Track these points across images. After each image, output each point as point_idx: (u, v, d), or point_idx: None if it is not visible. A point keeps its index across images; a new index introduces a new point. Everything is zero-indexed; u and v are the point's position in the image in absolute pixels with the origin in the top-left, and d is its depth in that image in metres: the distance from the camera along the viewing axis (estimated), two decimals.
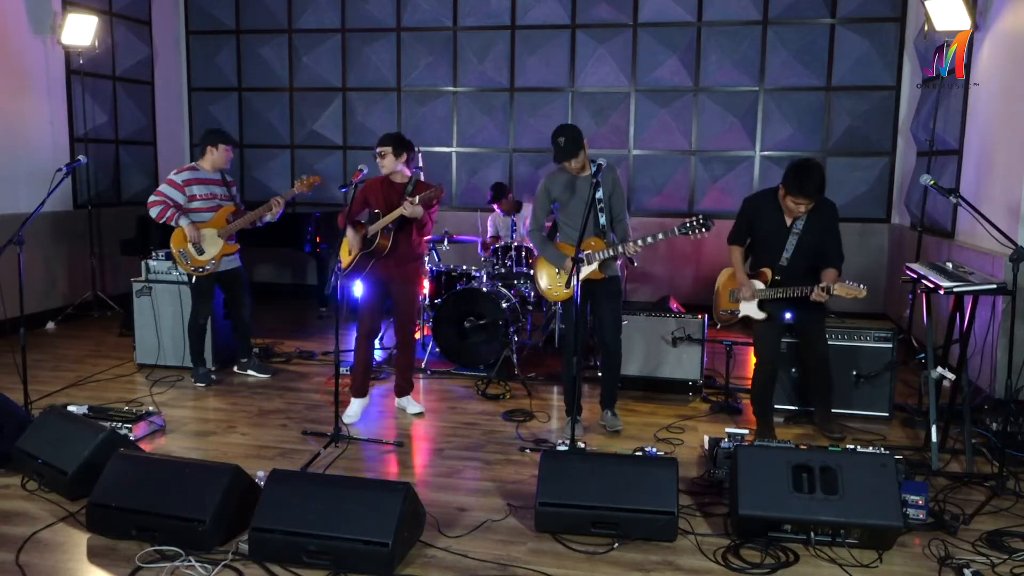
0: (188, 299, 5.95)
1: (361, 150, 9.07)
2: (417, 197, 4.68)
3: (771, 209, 4.52)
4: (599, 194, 4.56)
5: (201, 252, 5.60)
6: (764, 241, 4.58)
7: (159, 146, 9.15)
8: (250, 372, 6.00)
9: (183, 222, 5.51)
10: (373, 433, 4.84)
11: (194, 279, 5.70)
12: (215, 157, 5.63)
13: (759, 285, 4.56)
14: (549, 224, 5.24)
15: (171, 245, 5.65)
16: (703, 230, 4.44)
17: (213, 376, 5.84)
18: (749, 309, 4.61)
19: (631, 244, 4.54)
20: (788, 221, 4.47)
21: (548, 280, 4.85)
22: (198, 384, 5.74)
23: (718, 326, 4.88)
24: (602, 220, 4.62)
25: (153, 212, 5.53)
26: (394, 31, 8.88)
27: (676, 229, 4.50)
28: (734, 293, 4.68)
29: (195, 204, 5.58)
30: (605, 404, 4.99)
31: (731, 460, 3.60)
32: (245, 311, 5.91)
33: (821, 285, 4.31)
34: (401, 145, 4.86)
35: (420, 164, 7.27)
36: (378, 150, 4.86)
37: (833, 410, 4.93)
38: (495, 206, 7.38)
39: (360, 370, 5.06)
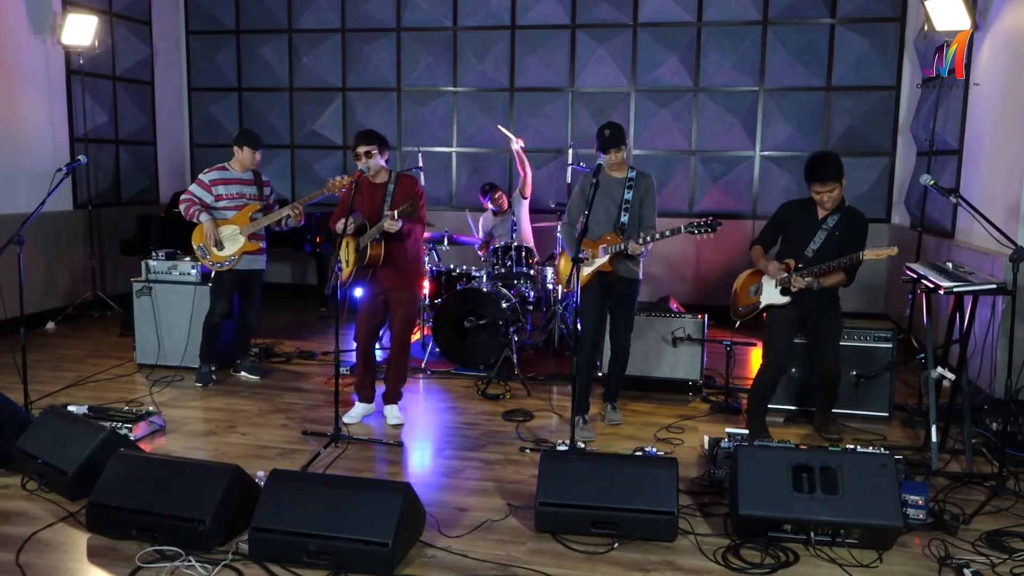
0: (189, 299, 5.99)
1: None
2: (396, 212, 4.57)
3: (805, 209, 4.60)
4: (627, 195, 4.73)
5: (220, 248, 5.63)
6: (793, 235, 4.62)
7: (159, 146, 9.15)
8: (242, 374, 6.00)
9: (203, 218, 5.58)
10: (373, 433, 4.84)
11: (213, 274, 5.78)
12: (241, 157, 5.70)
13: (781, 274, 4.59)
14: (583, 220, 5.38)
15: (192, 241, 5.72)
16: (710, 231, 4.56)
17: (213, 377, 5.84)
18: (771, 296, 4.61)
19: (632, 242, 4.61)
20: (821, 215, 4.52)
21: (564, 270, 5.06)
22: (196, 383, 5.74)
23: (736, 324, 4.89)
24: (624, 219, 4.73)
25: (180, 209, 5.66)
26: (394, 31, 8.88)
27: (683, 227, 4.60)
28: (754, 288, 4.72)
29: (221, 203, 5.65)
30: (607, 398, 5.12)
31: (731, 460, 3.60)
32: (251, 314, 5.95)
33: (849, 255, 4.30)
34: (384, 141, 4.83)
35: (420, 164, 7.28)
36: (362, 150, 4.71)
37: (834, 410, 4.93)
38: (486, 201, 7.30)
39: (362, 374, 5.05)
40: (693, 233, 4.59)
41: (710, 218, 4.59)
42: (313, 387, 5.77)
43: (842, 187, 4.47)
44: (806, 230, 4.55)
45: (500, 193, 7.25)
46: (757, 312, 4.70)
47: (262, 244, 5.79)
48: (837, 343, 4.73)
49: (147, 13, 8.86)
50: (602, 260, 4.73)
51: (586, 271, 4.74)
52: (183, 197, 5.68)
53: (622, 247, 4.66)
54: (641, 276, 4.92)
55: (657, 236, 4.64)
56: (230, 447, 4.58)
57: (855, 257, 4.30)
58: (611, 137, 4.68)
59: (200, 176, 5.70)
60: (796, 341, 4.85)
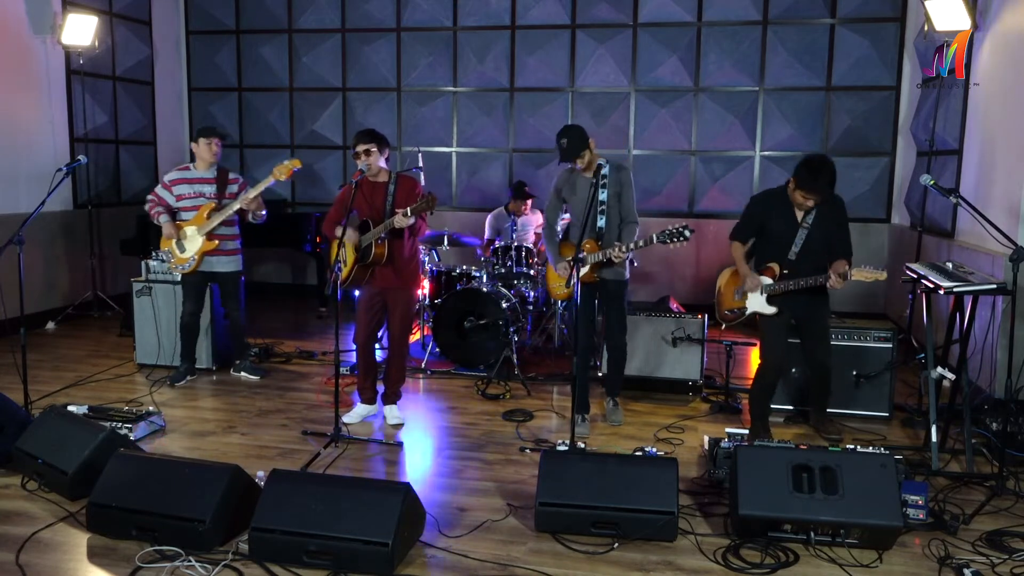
0: None
1: None
2: (409, 208, 4.55)
3: (781, 206, 4.45)
4: (601, 196, 4.57)
5: (183, 250, 5.62)
6: (773, 238, 4.50)
7: (159, 146, 9.15)
8: (242, 374, 6.00)
9: (163, 220, 5.60)
10: (373, 433, 4.84)
11: (180, 276, 5.80)
12: (198, 152, 5.65)
13: (767, 280, 4.49)
14: (565, 223, 5.26)
15: (160, 246, 5.73)
16: (680, 239, 4.39)
17: (188, 377, 5.84)
18: (758, 305, 4.51)
19: (615, 249, 4.52)
20: (799, 216, 4.42)
21: (552, 278, 4.96)
22: (166, 379, 5.77)
23: (723, 326, 4.85)
24: (600, 223, 4.61)
25: (146, 208, 5.71)
26: (394, 31, 8.88)
27: (655, 237, 4.46)
28: (739, 291, 4.61)
29: (182, 203, 5.65)
30: (609, 393, 5.09)
31: (731, 460, 3.60)
32: (234, 314, 5.89)
33: (839, 271, 4.23)
34: (383, 141, 4.80)
35: (420, 164, 7.28)
36: (362, 148, 4.69)
37: (834, 410, 4.93)
38: (510, 196, 7.30)
39: (363, 375, 5.04)
40: (665, 243, 4.43)
41: (680, 226, 4.41)
42: (313, 387, 5.77)
43: None
44: (786, 231, 4.43)
45: (529, 202, 7.22)
46: (743, 318, 4.64)
47: (220, 244, 5.65)
48: (828, 338, 4.69)
49: (147, 13, 8.86)
50: (583, 270, 4.58)
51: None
52: (148, 198, 5.70)
53: (601, 257, 4.57)
54: (628, 276, 4.86)
55: (631, 246, 4.52)
56: (230, 447, 4.58)
57: (844, 274, 4.22)
58: (568, 148, 4.50)
59: (163, 177, 5.71)
60: (791, 341, 4.84)
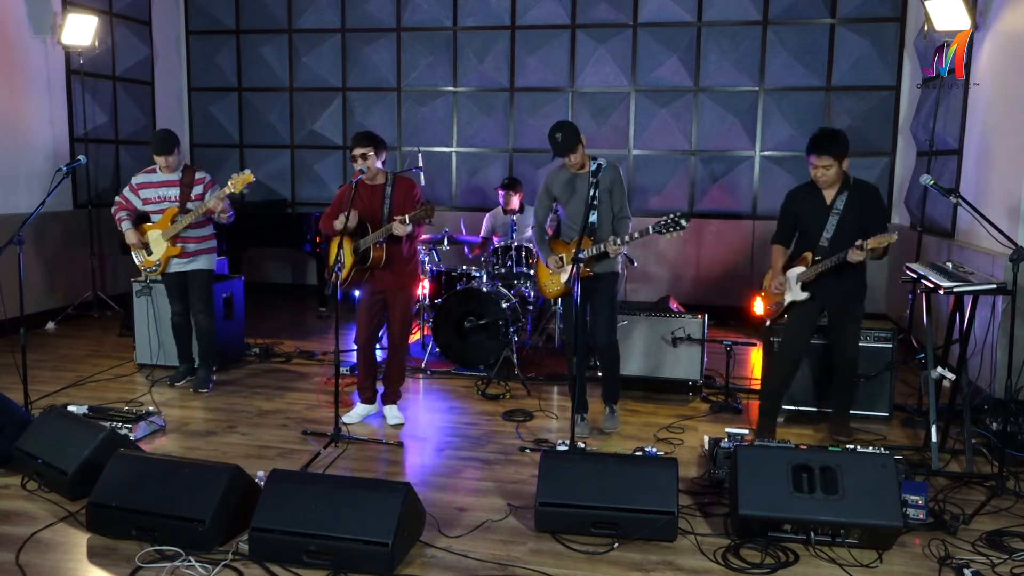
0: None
1: None
2: (408, 217, 4.56)
3: (810, 194, 4.55)
4: (594, 192, 4.52)
5: (150, 253, 5.56)
6: (805, 225, 4.58)
7: None
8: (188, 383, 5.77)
9: (125, 226, 5.51)
10: (373, 433, 4.84)
11: (155, 279, 5.75)
12: (159, 164, 5.49)
13: (799, 270, 4.56)
14: (554, 224, 5.23)
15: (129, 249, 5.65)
16: (677, 229, 4.37)
17: (188, 377, 5.81)
18: (793, 294, 4.61)
19: (610, 242, 4.50)
20: (828, 198, 4.46)
21: (543, 276, 4.92)
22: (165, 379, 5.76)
23: (767, 322, 4.90)
24: (592, 218, 4.56)
25: (112, 211, 5.60)
26: (394, 31, 8.88)
27: (651, 228, 4.44)
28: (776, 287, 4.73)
29: (148, 207, 5.54)
30: (605, 400, 5.02)
31: (731, 460, 3.60)
32: (200, 317, 5.66)
33: (856, 243, 4.26)
34: (381, 144, 4.78)
35: (420, 164, 7.27)
36: (359, 152, 4.67)
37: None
38: (501, 193, 7.29)
39: (363, 375, 5.05)
40: (661, 233, 4.41)
41: (676, 214, 4.39)
42: (313, 387, 5.77)
43: (841, 166, 4.39)
44: (816, 218, 4.50)
45: (518, 194, 7.23)
46: (783, 310, 4.70)
47: (185, 246, 5.51)
48: (857, 332, 4.71)
49: (147, 13, 8.85)
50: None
51: (563, 279, 4.65)
52: (116, 199, 5.61)
53: (595, 250, 4.52)
54: (620, 269, 4.82)
55: (626, 238, 4.51)
56: (230, 447, 4.58)
57: (861, 246, 4.23)
58: (563, 143, 4.49)
59: (132, 179, 5.59)
60: (811, 342, 4.82)
